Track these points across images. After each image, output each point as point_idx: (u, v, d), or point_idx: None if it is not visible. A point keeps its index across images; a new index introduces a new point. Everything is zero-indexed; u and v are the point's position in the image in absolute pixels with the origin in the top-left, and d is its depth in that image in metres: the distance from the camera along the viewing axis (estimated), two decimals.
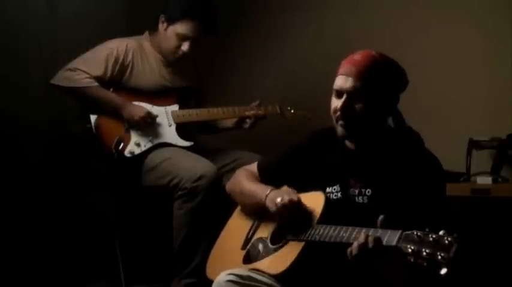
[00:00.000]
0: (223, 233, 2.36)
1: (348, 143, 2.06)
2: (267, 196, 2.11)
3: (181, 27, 3.11)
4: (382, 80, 1.96)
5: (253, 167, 2.32)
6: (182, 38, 3.12)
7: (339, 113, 1.97)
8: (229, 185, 2.36)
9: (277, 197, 2.04)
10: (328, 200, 2.01)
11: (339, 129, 2.00)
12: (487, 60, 3.23)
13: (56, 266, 3.36)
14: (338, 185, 2.04)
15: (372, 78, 1.95)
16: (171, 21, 3.13)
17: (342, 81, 1.97)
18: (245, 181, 2.27)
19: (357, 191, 2.00)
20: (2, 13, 3.39)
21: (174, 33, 3.13)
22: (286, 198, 2.01)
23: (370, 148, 2.02)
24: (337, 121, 2.00)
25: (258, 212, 2.19)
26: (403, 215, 1.81)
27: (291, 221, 2.02)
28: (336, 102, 1.99)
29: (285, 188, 2.16)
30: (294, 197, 2.03)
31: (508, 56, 3.16)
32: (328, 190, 2.05)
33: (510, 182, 2.97)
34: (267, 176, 2.25)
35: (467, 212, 2.75)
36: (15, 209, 3.35)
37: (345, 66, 1.98)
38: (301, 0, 3.88)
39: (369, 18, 3.56)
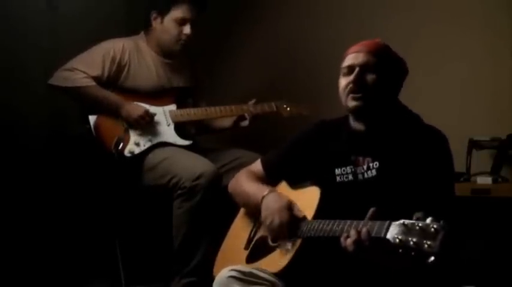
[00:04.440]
0: (229, 233, 2.37)
1: (355, 125, 2.06)
2: (263, 198, 2.12)
3: (177, 13, 3.14)
4: (390, 56, 2.03)
5: (256, 166, 2.32)
6: (181, 22, 3.15)
7: (351, 85, 1.99)
8: (231, 186, 2.37)
9: (267, 217, 2.06)
10: (325, 192, 2.01)
11: (352, 104, 2.01)
12: (487, 60, 3.22)
13: (55, 266, 3.36)
14: (348, 167, 2.04)
15: (382, 53, 2.01)
16: (165, 12, 3.15)
17: (352, 58, 2.01)
18: (245, 181, 2.28)
19: (365, 167, 2.01)
20: (3, 13, 3.39)
21: (171, 21, 3.15)
22: (276, 222, 2.03)
23: (378, 126, 2.03)
24: (348, 95, 2.01)
25: (258, 213, 2.19)
26: (410, 185, 1.84)
27: (283, 227, 2.03)
28: (347, 79, 2.01)
29: (280, 187, 2.18)
30: (284, 214, 2.03)
31: (508, 56, 3.16)
32: (337, 171, 2.06)
33: (510, 182, 2.97)
34: (273, 171, 2.25)
35: (467, 212, 2.75)
36: (15, 209, 3.35)
37: (353, 48, 2.03)
38: None
39: (367, 14, 3.57)
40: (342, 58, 2.07)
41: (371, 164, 2.00)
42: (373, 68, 1.99)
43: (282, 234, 2.03)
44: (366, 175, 2.01)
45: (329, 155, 2.09)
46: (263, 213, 2.10)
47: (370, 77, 1.98)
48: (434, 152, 1.96)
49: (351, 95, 2.00)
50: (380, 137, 2.01)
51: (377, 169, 1.99)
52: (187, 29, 3.15)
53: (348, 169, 2.04)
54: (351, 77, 1.99)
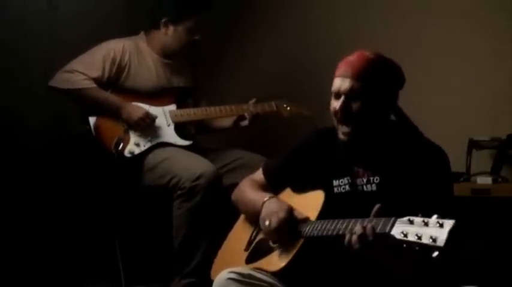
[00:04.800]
0: (229, 235, 2.37)
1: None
2: (263, 203, 2.12)
3: (190, 23, 3.16)
4: (378, 77, 1.98)
5: (258, 174, 2.32)
6: (195, 31, 3.16)
7: (338, 114, 1.99)
8: (234, 195, 2.37)
9: (266, 219, 2.05)
10: (327, 198, 2.01)
11: (341, 130, 2.01)
12: (487, 60, 3.23)
13: (55, 266, 3.37)
14: (346, 178, 2.04)
15: (368, 77, 1.96)
16: (179, 21, 3.16)
17: (339, 83, 1.99)
18: (248, 190, 2.28)
19: (365, 180, 2.02)
20: (3, 13, 3.39)
21: (185, 30, 3.17)
22: (274, 222, 2.02)
23: (375, 139, 2.03)
24: (337, 122, 2.02)
25: (258, 219, 2.19)
26: (410, 201, 1.84)
27: (281, 229, 2.02)
28: (335, 104, 2.01)
29: (285, 193, 2.18)
30: (283, 215, 2.02)
31: (508, 56, 3.17)
32: (335, 183, 2.06)
33: (510, 182, 2.97)
34: (273, 179, 2.25)
35: (467, 212, 2.75)
36: (15, 209, 3.35)
37: (341, 68, 2.01)
38: None
39: (367, 16, 3.57)
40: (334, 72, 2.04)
41: (371, 178, 2.01)
42: (359, 95, 1.96)
43: (280, 236, 2.02)
44: (365, 188, 2.01)
45: (327, 165, 2.09)
46: (261, 216, 2.10)
47: (355, 105, 1.96)
48: (435, 170, 1.95)
49: (338, 123, 2.01)
50: (377, 150, 2.02)
51: (377, 184, 1.99)
52: (199, 36, 3.18)
53: (345, 180, 2.04)
54: (338, 105, 1.98)
